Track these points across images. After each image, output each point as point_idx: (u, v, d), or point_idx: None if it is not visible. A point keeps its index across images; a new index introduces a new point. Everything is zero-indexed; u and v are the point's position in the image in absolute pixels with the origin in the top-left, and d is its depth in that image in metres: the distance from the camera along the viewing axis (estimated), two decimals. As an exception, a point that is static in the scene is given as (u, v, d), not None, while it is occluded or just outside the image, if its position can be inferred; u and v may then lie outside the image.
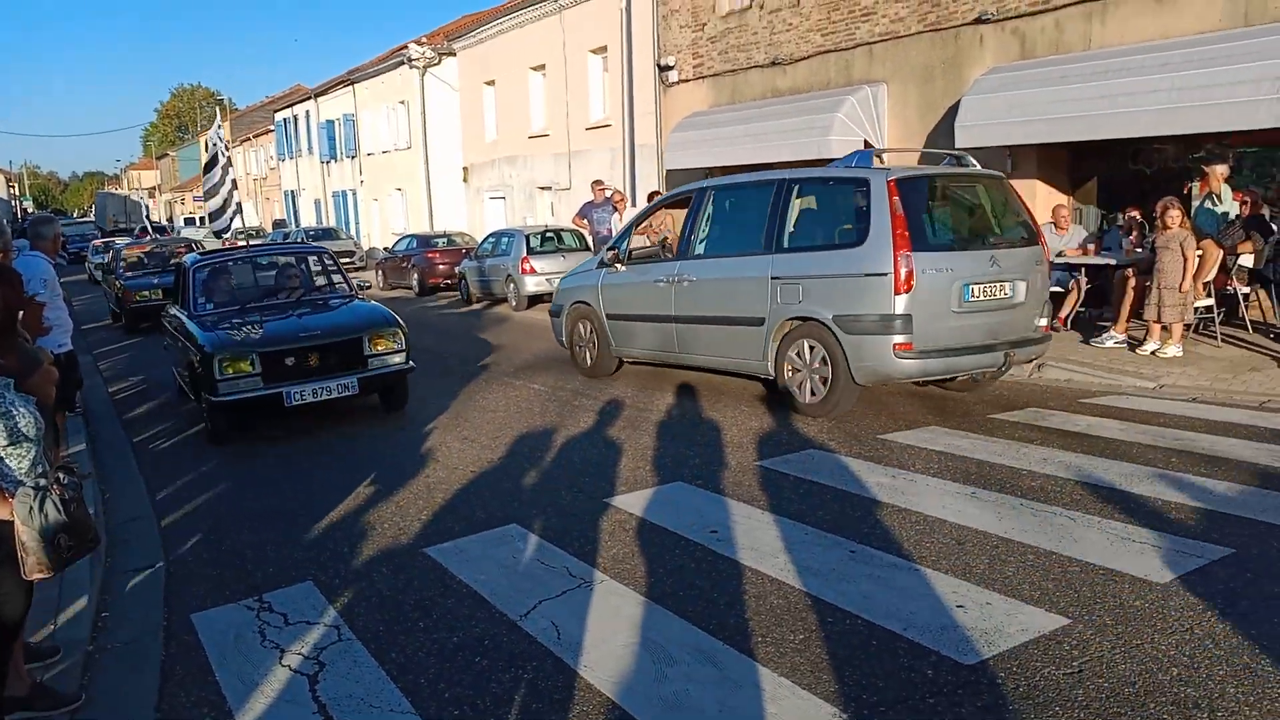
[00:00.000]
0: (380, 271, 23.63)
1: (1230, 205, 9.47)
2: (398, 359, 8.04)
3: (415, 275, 21.58)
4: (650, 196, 15.67)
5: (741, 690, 3.33)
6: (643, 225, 10.96)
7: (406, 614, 4.16)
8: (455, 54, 27.67)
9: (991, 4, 12.28)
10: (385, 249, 26.52)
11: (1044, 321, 7.76)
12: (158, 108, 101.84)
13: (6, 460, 2.95)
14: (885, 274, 6.87)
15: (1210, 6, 10.14)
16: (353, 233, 34.14)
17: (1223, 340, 9.13)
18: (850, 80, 14.49)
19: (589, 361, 9.78)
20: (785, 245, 7.69)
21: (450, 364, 11.02)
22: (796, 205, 7.83)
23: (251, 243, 10.27)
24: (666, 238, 10.39)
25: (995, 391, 8.12)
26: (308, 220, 40.20)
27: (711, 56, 17.41)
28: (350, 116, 34.63)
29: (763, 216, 7.92)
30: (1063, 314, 10.39)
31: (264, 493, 6.32)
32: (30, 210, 70.55)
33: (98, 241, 33.89)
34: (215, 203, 9.61)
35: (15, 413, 2.96)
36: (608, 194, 15.38)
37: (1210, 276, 9.02)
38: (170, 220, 59.10)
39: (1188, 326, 8.97)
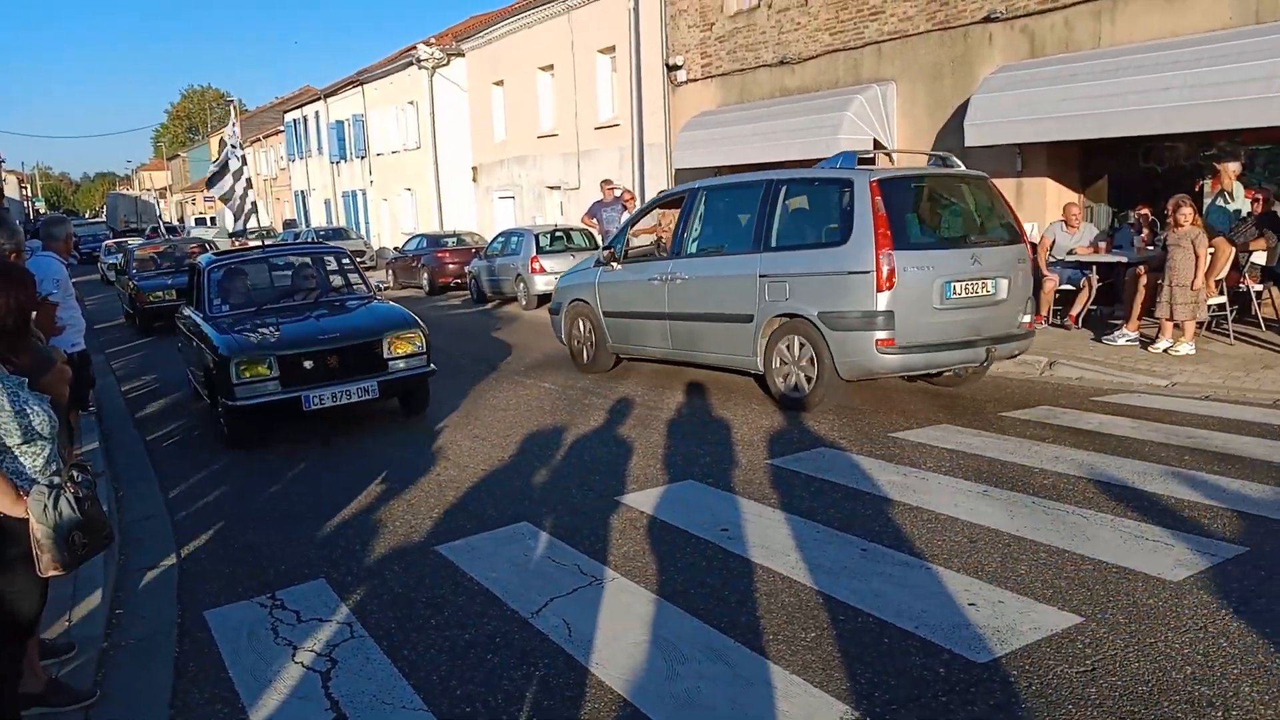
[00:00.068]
0: (390, 271, 23.70)
1: (1242, 203, 9.42)
2: (418, 361, 7.83)
3: (425, 275, 21.64)
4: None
5: (753, 688, 3.32)
6: (651, 225, 10.98)
7: (418, 611, 4.17)
8: (464, 54, 27.71)
9: (1000, 2, 12.24)
10: (395, 249, 26.58)
11: (1028, 318, 7.87)
12: (168, 109, 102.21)
13: (21, 458, 2.96)
14: (868, 272, 7.05)
15: (1220, 4, 10.09)
16: (363, 233, 34.22)
17: (1235, 338, 9.09)
18: (859, 79, 14.47)
19: (586, 358, 10.00)
20: (773, 244, 7.87)
21: (461, 363, 11.03)
22: (784, 205, 7.99)
23: (266, 243, 10.07)
24: (661, 238, 10.44)
25: (1007, 390, 8.10)
26: (318, 220, 40.30)
27: (720, 56, 17.40)
28: (360, 117, 34.71)
29: (751, 216, 8.16)
30: (1074, 312, 10.37)
31: (276, 491, 6.34)
32: (42, 211, 70.92)
33: (110, 242, 34.03)
34: (234, 205, 9.54)
35: (29, 411, 2.97)
36: (617, 193, 15.38)
37: (1222, 274, 8.98)
38: (181, 220, 59.36)
39: (1200, 324, 8.93)
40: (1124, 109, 10.29)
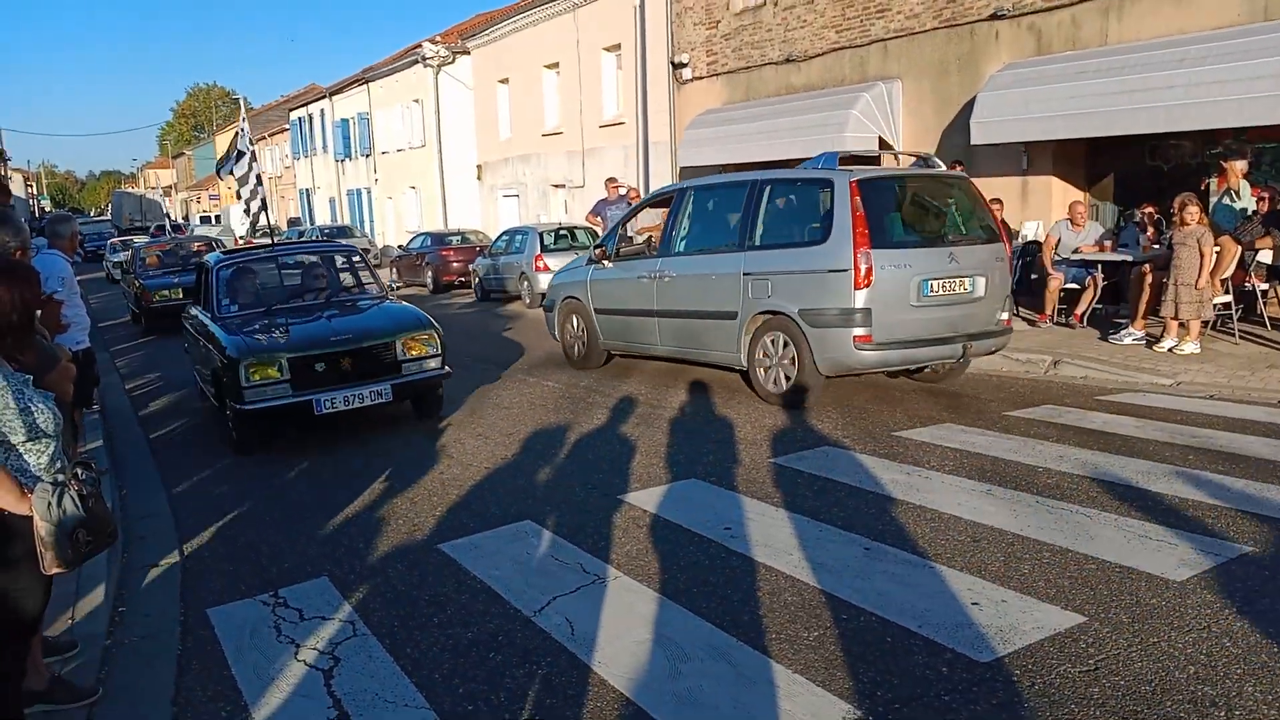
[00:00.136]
0: (395, 269, 23.72)
1: (1248, 201, 9.39)
2: (433, 363, 7.62)
3: (429, 273, 21.63)
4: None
5: (756, 687, 3.32)
6: (655, 224, 10.99)
7: (421, 609, 4.18)
8: (469, 52, 27.73)
9: (1007, 0, 12.21)
10: (400, 247, 26.61)
11: (1005, 315, 8.00)
12: (174, 107, 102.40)
13: (26, 456, 2.97)
14: (846, 270, 7.20)
15: (1228, 1, 10.06)
16: (367, 231, 34.26)
17: (1240, 337, 9.06)
18: (865, 77, 14.45)
19: (579, 354, 10.16)
20: (757, 243, 8.05)
21: (464, 361, 11.03)
22: (767, 205, 8.16)
23: (274, 241, 9.83)
24: (652, 236, 10.50)
25: (1011, 388, 8.08)
26: (322, 219, 40.36)
27: (725, 54, 17.39)
28: (365, 115, 34.74)
29: (737, 215, 8.34)
30: (1079, 310, 10.35)
31: (279, 488, 6.35)
32: (48, 209, 71.12)
33: (115, 240, 34.09)
34: (249, 191, 9.31)
35: (34, 408, 2.98)
36: (622, 191, 15.38)
37: (1228, 273, 8.95)
38: (186, 218, 59.45)
39: (1205, 323, 8.90)
40: (1130, 107, 10.27)
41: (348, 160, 37.42)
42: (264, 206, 9.25)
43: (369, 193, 35.97)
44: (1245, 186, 9.51)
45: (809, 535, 4.75)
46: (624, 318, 9.46)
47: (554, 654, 3.67)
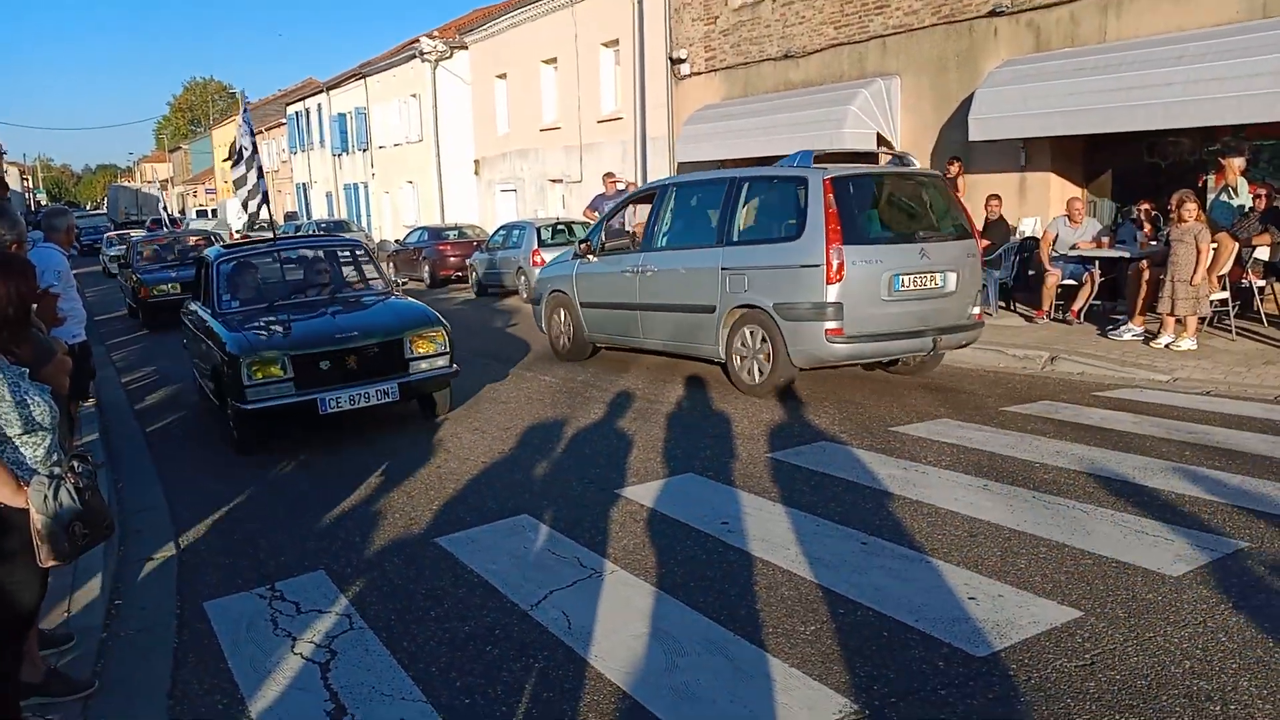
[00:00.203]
0: (391, 264, 23.68)
1: (1246, 198, 9.40)
2: (442, 361, 7.42)
3: (426, 267, 21.62)
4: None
5: (752, 681, 3.33)
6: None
7: (418, 603, 4.18)
8: (467, 47, 27.68)
9: (1006, -5, 12.21)
10: (396, 241, 26.58)
11: (977, 310, 8.17)
12: (170, 101, 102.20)
13: (22, 449, 2.96)
14: (818, 265, 7.39)
15: (1227, -2, 10.06)
16: (364, 225, 34.21)
17: (1237, 333, 9.08)
18: (864, 73, 14.44)
19: (565, 346, 10.31)
20: (734, 239, 8.24)
21: (461, 355, 10.96)
22: (745, 202, 8.35)
23: (275, 235, 9.53)
24: (634, 232, 10.59)
25: (1008, 384, 8.09)
26: (319, 213, 40.30)
27: (724, 49, 17.37)
28: (362, 110, 34.69)
29: (715, 212, 8.55)
30: (1076, 306, 10.36)
31: (275, 482, 6.34)
32: (43, 202, 70.95)
33: (112, 234, 33.99)
34: (242, 194, 9.12)
35: (30, 402, 2.97)
36: (620, 186, 15.36)
37: (1225, 270, 8.96)
38: (182, 212, 59.37)
39: (1202, 320, 8.92)
40: (1129, 104, 10.27)
41: (345, 155, 37.37)
42: (266, 200, 9.04)
43: (366, 187, 35.93)
44: (1243, 183, 9.52)
45: (806, 530, 4.76)
46: (608, 311, 9.64)
47: (551, 648, 3.67)
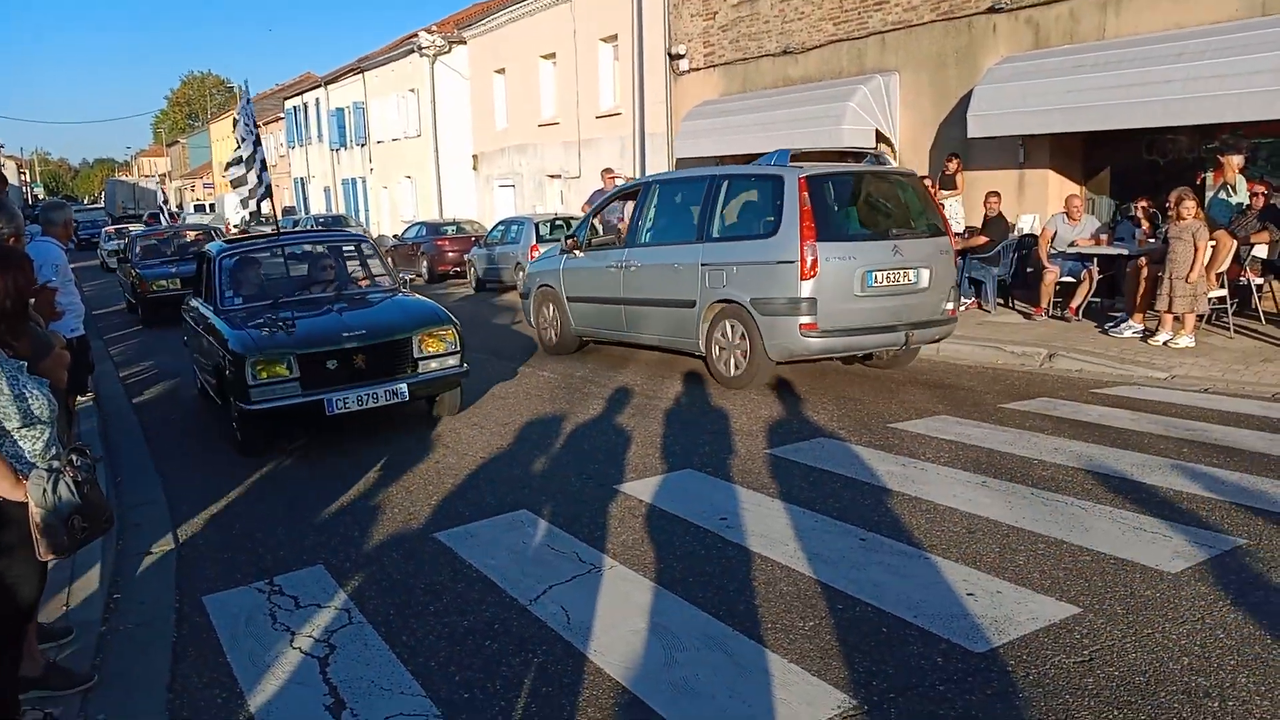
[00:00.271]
0: (390, 259, 23.65)
1: (1244, 196, 9.40)
2: (452, 361, 7.21)
3: (425, 262, 21.60)
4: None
5: (751, 676, 3.33)
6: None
7: (417, 598, 4.18)
8: (465, 42, 27.63)
9: (1005, -8, 12.20)
10: (395, 236, 26.56)
11: (950, 305, 8.34)
12: (168, 95, 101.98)
13: (20, 442, 2.96)
14: (793, 261, 7.57)
15: (1226, -5, 10.06)
16: (362, 220, 34.17)
17: (1235, 331, 9.08)
18: (863, 69, 14.42)
19: (553, 340, 10.49)
20: (714, 235, 8.44)
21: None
22: (724, 199, 8.52)
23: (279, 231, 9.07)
24: (620, 228, 10.66)
25: (1006, 381, 8.10)
26: (317, 208, 40.23)
27: (723, 45, 17.35)
28: (360, 104, 34.62)
29: (696, 209, 8.74)
30: (1074, 304, 10.37)
31: (274, 476, 6.34)
32: (41, 196, 70.80)
33: (110, 228, 33.89)
34: (243, 192, 8.84)
35: (29, 395, 2.97)
36: (618, 182, 15.33)
37: (1224, 267, 8.97)
38: (180, 206, 59.27)
39: (1200, 317, 8.92)
40: (1128, 101, 10.27)
41: (343, 149, 37.29)
42: (268, 193, 8.81)
43: (364, 182, 35.86)
44: (1241, 181, 9.52)
45: (805, 526, 4.76)
46: (594, 305, 9.84)
47: (550, 643, 3.67)
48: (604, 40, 21.02)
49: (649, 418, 7.35)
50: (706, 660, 3.44)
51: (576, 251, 10.04)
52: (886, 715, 3.06)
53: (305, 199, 43.04)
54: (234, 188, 9.10)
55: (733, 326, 8.14)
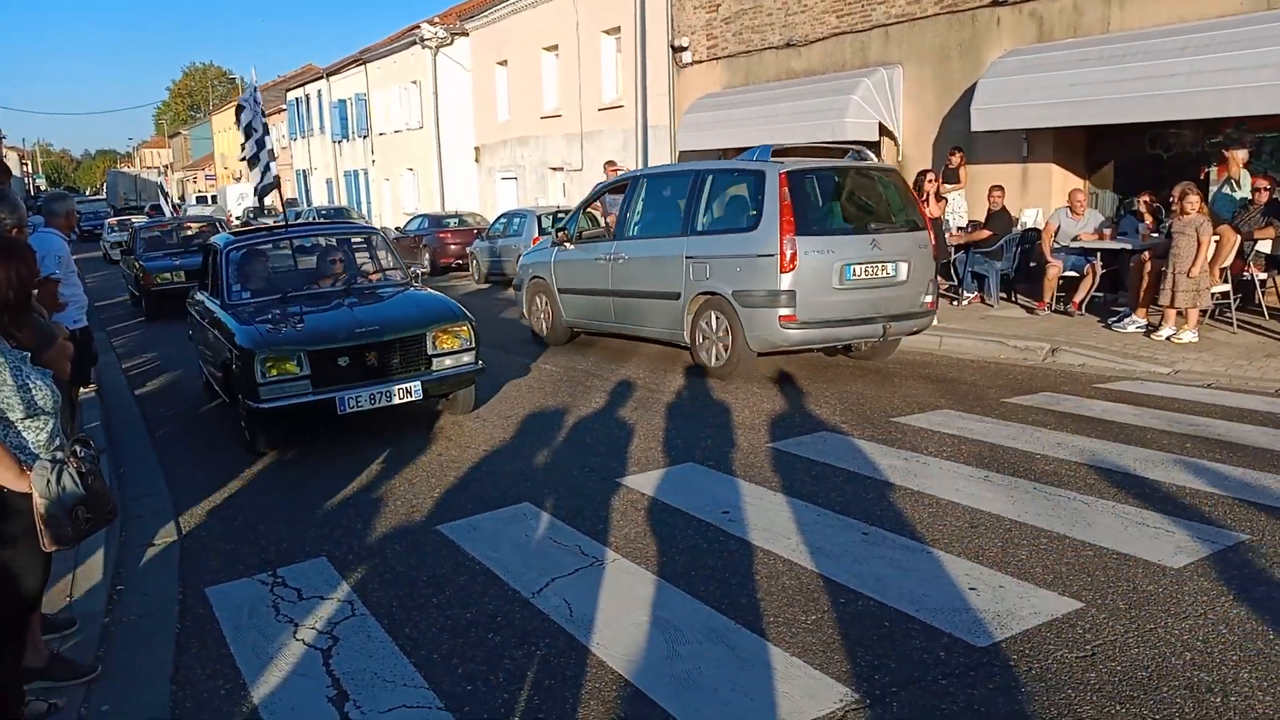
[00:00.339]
0: (395, 252, 23.62)
1: (1248, 190, 9.37)
2: (467, 358, 7.00)
3: (427, 255, 21.57)
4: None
5: (753, 669, 3.33)
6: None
7: (419, 590, 4.18)
8: (468, 34, 27.58)
9: (1009, -15, 12.16)
10: (397, 229, 26.55)
11: (929, 298, 8.51)
12: (170, 86, 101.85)
13: (24, 433, 2.96)
14: (773, 255, 7.76)
15: (1232, -11, 10.02)
16: (364, 212, 34.14)
17: (1239, 326, 9.07)
18: (866, 62, 14.39)
19: (545, 330, 10.73)
20: (698, 229, 8.64)
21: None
22: (708, 194, 8.70)
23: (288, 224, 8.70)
24: (609, 220, 10.72)
25: (1009, 375, 8.09)
26: (319, 200, 40.20)
27: (726, 37, 17.30)
28: (362, 96, 34.57)
29: (681, 203, 8.91)
30: (1077, 298, 10.35)
31: (277, 468, 6.35)
32: (43, 188, 70.75)
33: (113, 220, 33.84)
34: (259, 170, 8.57)
35: (32, 386, 2.96)
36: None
37: (1227, 262, 8.95)
38: (182, 198, 59.21)
39: (1203, 312, 8.91)
40: (1131, 95, 10.24)
41: (345, 141, 37.26)
42: (277, 184, 8.55)
43: (366, 174, 35.83)
44: (1245, 176, 9.50)
45: (807, 520, 4.76)
46: (584, 297, 10.02)
47: (553, 635, 3.67)
48: (607, 32, 20.97)
49: (651, 411, 7.35)
50: (709, 653, 3.45)
51: (567, 244, 10.21)
52: (888, 709, 3.06)
53: (307, 191, 43.00)
54: (252, 167, 8.79)
55: (716, 318, 8.31)
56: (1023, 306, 11.10)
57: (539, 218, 17.22)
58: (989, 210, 11.45)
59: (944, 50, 13.21)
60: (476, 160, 28.07)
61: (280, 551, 4.77)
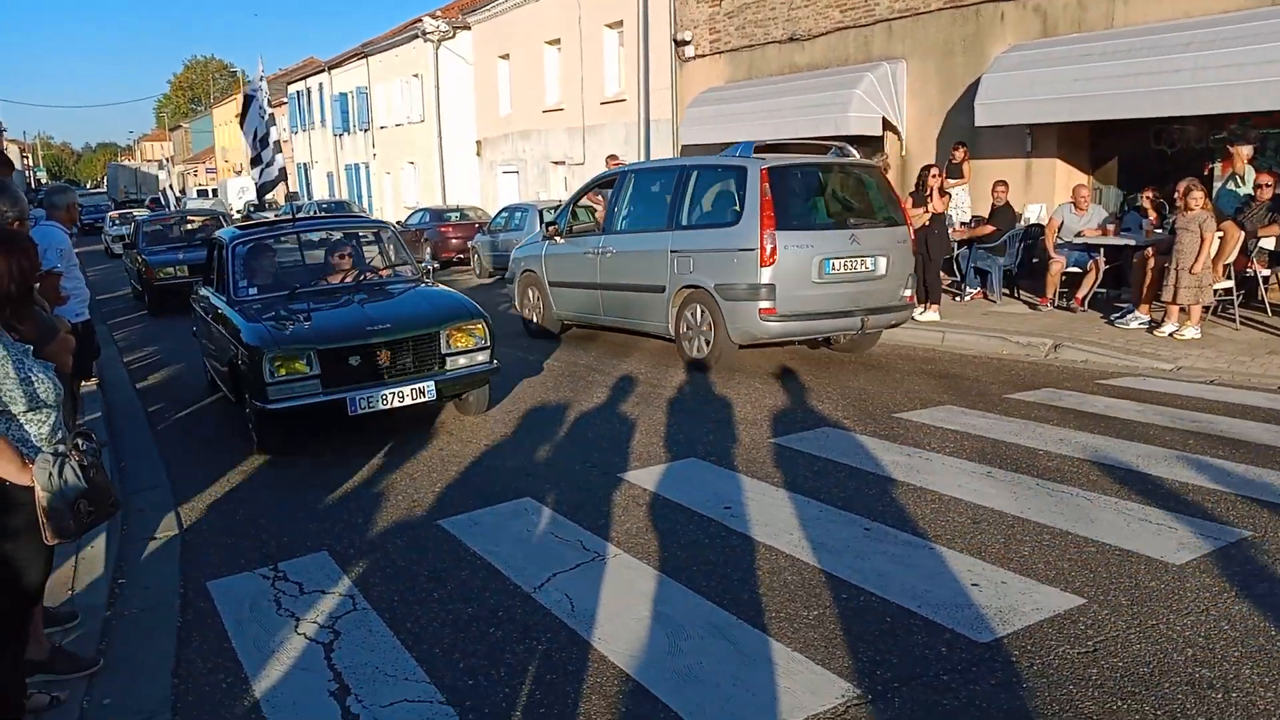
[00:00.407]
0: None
1: (1252, 186, 9.35)
2: (482, 358, 6.78)
3: (428, 249, 21.56)
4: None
5: (755, 665, 3.33)
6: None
7: (421, 585, 4.18)
8: (470, 27, 27.53)
9: (1013, -20, 12.12)
10: (398, 223, 26.54)
11: (908, 293, 8.67)
12: (171, 79, 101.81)
13: (26, 426, 2.96)
14: (753, 249, 7.91)
15: (1236, -16, 9.99)
16: (365, 206, 34.12)
17: (1241, 323, 9.06)
18: (869, 57, 14.35)
19: (536, 322, 10.82)
20: (682, 223, 8.78)
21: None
22: (693, 189, 8.84)
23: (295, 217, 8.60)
24: (596, 216, 10.73)
25: (1011, 371, 8.08)
26: (320, 194, 40.18)
27: (729, 31, 17.27)
28: (363, 89, 34.52)
29: (667, 198, 9.05)
30: (1080, 294, 10.33)
31: (278, 463, 6.34)
32: (44, 180, 70.75)
33: (114, 214, 33.80)
34: (265, 162, 8.41)
35: (34, 379, 2.96)
36: (622, 169, 15.29)
37: (1231, 259, 8.93)
38: (183, 191, 59.18)
39: (1206, 309, 8.89)
40: (1136, 90, 10.22)
41: (346, 135, 37.22)
42: (283, 177, 8.35)
43: (367, 168, 35.80)
44: (1250, 172, 9.47)
45: (809, 515, 4.76)
46: (573, 290, 10.16)
47: (554, 630, 3.67)
48: (609, 26, 20.93)
49: (653, 406, 7.34)
50: (710, 648, 3.44)
51: (557, 238, 10.33)
52: (890, 704, 3.06)
53: (308, 184, 42.97)
54: (254, 165, 8.66)
55: (700, 311, 8.47)
56: (1025, 302, 11.08)
57: (541, 212, 17.17)
58: (992, 205, 11.43)
59: (948, 45, 13.18)
60: (478, 154, 28.04)
61: (281, 545, 4.77)
